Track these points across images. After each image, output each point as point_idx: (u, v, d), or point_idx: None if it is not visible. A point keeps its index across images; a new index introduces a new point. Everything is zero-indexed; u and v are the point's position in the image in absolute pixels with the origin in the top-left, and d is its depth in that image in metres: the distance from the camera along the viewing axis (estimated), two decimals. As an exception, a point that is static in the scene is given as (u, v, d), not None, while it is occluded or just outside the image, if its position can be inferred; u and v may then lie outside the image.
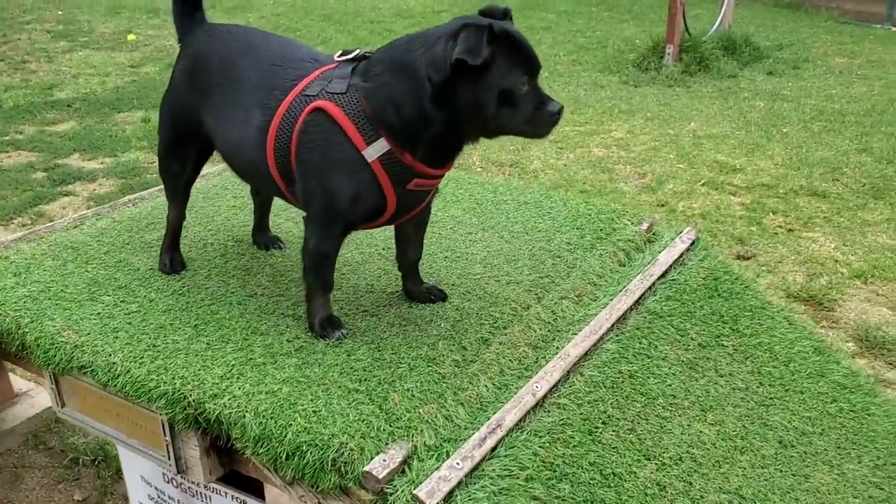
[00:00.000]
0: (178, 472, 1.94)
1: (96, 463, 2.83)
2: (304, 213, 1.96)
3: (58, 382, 2.07)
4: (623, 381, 1.98)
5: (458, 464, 1.59)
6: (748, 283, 2.52)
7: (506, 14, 1.79)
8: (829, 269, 4.01)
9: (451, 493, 1.55)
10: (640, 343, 2.11)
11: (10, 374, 2.97)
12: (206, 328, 2.03)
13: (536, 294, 2.22)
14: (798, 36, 9.28)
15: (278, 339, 1.99)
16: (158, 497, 2.28)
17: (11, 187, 5.09)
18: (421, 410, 1.73)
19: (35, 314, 2.09)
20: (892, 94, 7.06)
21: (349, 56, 1.91)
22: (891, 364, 3.25)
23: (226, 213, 2.74)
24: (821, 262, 4.08)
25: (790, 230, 4.50)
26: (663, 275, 2.38)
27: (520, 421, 1.75)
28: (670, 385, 2.04)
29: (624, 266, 2.42)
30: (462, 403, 1.78)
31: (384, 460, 1.59)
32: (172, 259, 2.32)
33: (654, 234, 2.62)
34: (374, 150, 1.79)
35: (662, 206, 4.81)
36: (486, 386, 1.85)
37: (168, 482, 2.22)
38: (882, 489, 2.07)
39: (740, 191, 5.03)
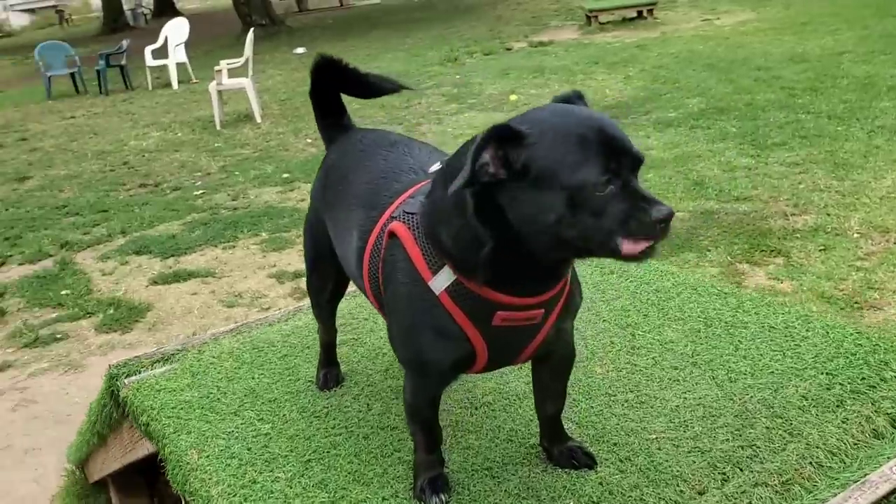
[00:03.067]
0: None
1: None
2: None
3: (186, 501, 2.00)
4: None
5: None
6: None
7: (576, 99, 1.39)
8: None
9: None
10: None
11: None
12: (315, 467, 1.80)
13: (723, 472, 1.61)
14: None
15: (376, 495, 1.68)
16: None
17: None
18: None
19: (180, 425, 2.04)
20: None
21: None
22: None
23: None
24: None
25: None
26: (942, 461, 1.60)
27: None
28: None
29: (880, 439, 1.68)
30: None
31: None
32: (326, 375, 2.14)
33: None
34: (441, 281, 1.42)
35: None
36: None
37: None
38: None
39: None
